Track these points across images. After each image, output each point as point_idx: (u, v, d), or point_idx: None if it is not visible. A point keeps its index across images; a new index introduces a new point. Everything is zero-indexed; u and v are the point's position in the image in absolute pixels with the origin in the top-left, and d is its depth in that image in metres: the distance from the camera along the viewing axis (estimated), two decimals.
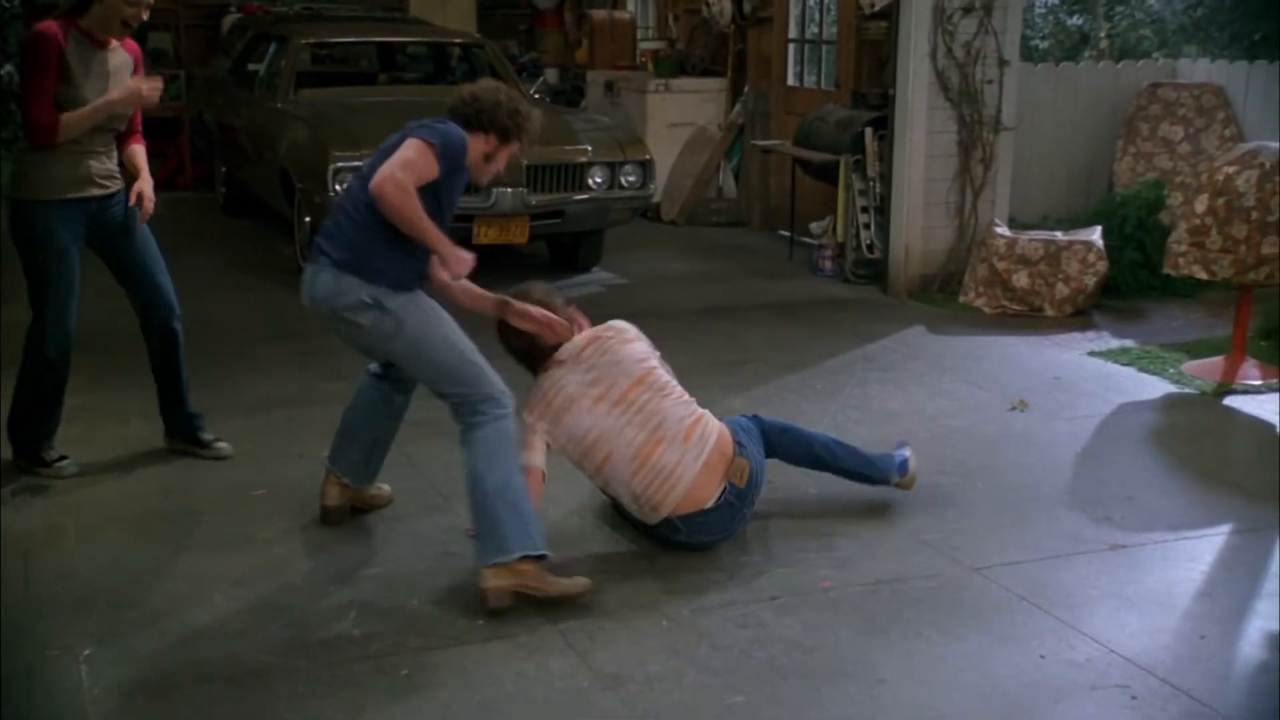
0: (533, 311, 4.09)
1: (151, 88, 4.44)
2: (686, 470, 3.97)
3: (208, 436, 4.91)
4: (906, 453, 4.48)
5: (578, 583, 3.74)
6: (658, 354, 4.23)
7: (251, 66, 9.77)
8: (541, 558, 3.70)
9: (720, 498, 4.02)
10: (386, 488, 4.44)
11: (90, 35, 4.39)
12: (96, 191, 4.54)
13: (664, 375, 4.14)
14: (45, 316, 4.52)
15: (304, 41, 9.09)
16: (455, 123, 3.83)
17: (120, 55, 4.51)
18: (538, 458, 3.98)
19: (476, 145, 3.85)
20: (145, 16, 4.41)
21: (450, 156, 3.75)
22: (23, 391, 4.65)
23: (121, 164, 4.63)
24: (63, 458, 4.70)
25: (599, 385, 4.02)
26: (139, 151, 4.68)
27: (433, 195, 3.76)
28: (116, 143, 4.60)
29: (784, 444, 4.35)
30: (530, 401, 4.07)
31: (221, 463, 4.84)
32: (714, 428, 4.08)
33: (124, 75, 4.51)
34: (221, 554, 4.07)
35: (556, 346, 4.12)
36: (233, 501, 4.50)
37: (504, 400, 3.81)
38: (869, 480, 4.43)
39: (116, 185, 4.62)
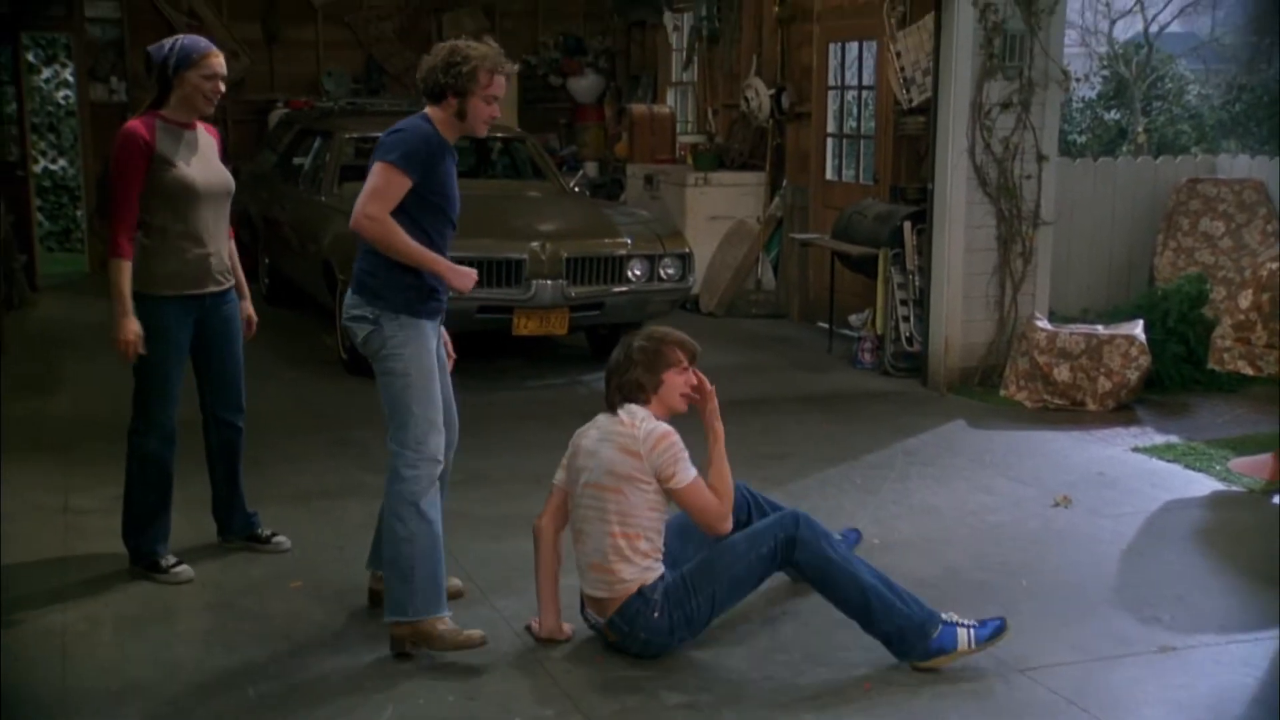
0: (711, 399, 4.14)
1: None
2: (581, 577, 4.07)
3: (265, 532, 4.91)
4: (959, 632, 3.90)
5: (471, 637, 3.92)
6: (662, 484, 3.91)
7: (296, 160, 9.94)
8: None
9: (588, 620, 4.09)
10: (456, 580, 4.42)
11: (175, 121, 4.46)
12: (214, 288, 4.59)
13: (634, 508, 3.90)
14: (150, 411, 4.54)
15: (348, 136, 9.24)
16: (427, 99, 3.97)
17: (205, 136, 4.59)
18: (561, 476, 4.15)
19: (447, 112, 3.95)
20: (223, 89, 4.48)
21: (415, 159, 3.87)
22: (133, 496, 4.62)
23: None
24: (179, 563, 4.63)
25: (596, 460, 3.97)
26: (235, 254, 4.73)
27: (420, 197, 3.90)
28: None
29: (805, 566, 3.96)
30: (575, 435, 4.14)
31: (258, 554, 4.84)
32: (618, 581, 3.89)
33: (212, 154, 4.58)
34: (257, 646, 4.05)
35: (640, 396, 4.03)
36: (269, 593, 4.49)
37: (415, 462, 3.92)
38: (899, 636, 3.89)
39: (230, 281, 4.68)
